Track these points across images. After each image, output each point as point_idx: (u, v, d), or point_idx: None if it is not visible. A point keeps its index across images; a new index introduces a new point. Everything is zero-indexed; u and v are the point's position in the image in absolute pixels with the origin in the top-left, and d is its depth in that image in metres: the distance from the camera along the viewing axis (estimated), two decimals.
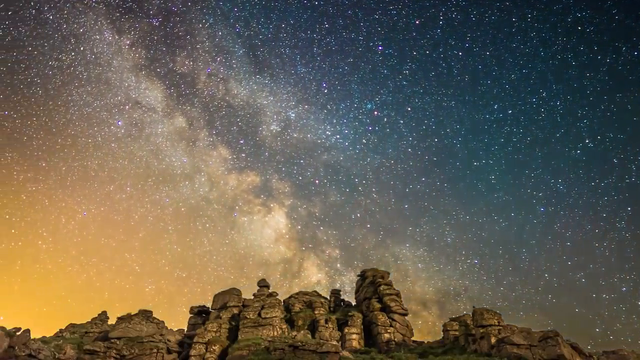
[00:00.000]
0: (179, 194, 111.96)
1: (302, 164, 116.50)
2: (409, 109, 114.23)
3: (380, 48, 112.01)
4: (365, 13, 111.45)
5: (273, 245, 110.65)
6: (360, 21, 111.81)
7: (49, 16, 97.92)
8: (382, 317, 38.44)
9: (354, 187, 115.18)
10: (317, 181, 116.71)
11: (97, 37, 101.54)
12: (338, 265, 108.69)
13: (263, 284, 44.14)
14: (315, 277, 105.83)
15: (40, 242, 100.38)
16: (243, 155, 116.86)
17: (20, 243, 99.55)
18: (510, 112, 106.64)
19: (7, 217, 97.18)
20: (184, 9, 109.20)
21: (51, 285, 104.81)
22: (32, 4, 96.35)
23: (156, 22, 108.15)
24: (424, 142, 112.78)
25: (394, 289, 42.08)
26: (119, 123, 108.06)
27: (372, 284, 44.17)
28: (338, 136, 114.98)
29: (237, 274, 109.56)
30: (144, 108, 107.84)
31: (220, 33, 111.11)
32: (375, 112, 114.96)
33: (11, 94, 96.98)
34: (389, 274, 45.88)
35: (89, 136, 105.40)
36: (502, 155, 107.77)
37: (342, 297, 49.46)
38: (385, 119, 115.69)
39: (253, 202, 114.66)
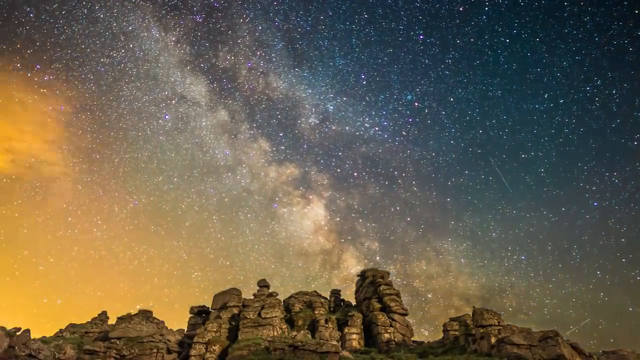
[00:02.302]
0: (222, 185, 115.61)
1: (341, 156, 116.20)
2: (452, 99, 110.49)
3: (421, 37, 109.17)
4: (406, 1, 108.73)
5: (312, 236, 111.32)
6: (400, 10, 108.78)
7: (100, 15, 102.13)
8: (382, 317, 38.44)
9: (394, 180, 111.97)
10: (355, 173, 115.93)
11: (145, 34, 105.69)
12: (377, 257, 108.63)
13: (263, 284, 44.15)
14: (354, 269, 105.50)
15: (95, 230, 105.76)
16: (282, 147, 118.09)
17: (76, 230, 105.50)
18: (561, 101, 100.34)
19: (65, 206, 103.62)
20: (226, 4, 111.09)
21: (105, 270, 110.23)
22: (83, 3, 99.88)
23: (199, 19, 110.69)
24: (468, 134, 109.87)
25: (394, 289, 42.09)
26: (166, 117, 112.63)
27: (372, 284, 44.16)
28: (377, 128, 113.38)
29: (278, 264, 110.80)
30: (189, 102, 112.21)
31: (260, 27, 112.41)
32: (416, 104, 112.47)
33: (66, 90, 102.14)
34: (389, 274, 45.93)
35: (139, 129, 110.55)
36: (553, 147, 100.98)
37: (342, 297, 49.50)
38: (426, 110, 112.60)
39: (292, 193, 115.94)
